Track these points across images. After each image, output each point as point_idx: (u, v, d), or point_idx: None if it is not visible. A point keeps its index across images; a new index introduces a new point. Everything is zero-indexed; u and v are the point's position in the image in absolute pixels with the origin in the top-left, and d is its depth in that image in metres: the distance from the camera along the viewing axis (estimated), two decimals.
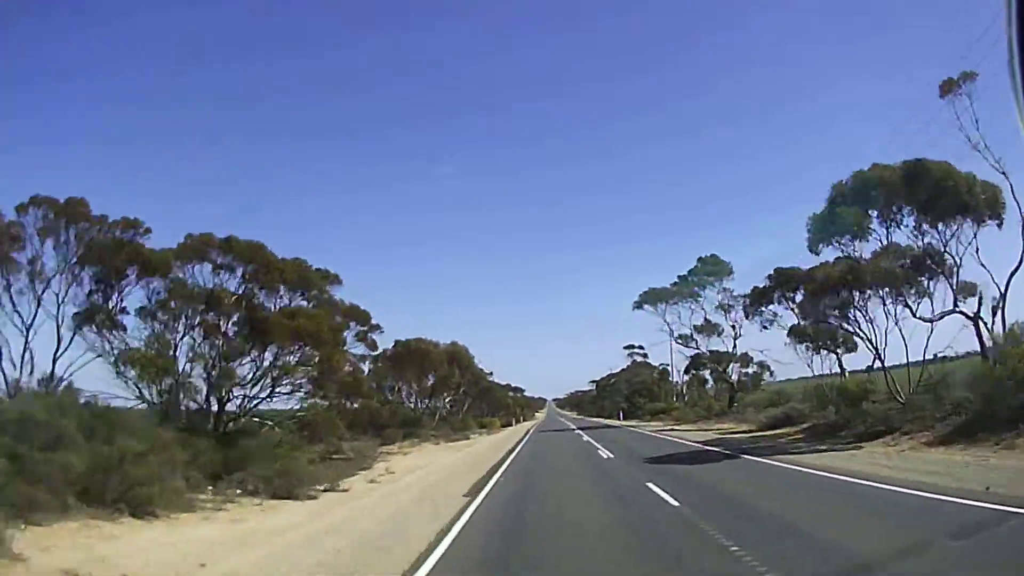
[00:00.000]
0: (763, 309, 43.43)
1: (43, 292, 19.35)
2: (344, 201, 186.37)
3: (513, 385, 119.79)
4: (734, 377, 56.05)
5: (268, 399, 22.19)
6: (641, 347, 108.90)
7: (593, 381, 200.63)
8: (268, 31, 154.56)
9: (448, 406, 73.90)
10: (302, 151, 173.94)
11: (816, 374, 41.78)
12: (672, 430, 47.00)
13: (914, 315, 26.40)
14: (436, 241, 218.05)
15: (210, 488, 15.22)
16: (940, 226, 25.10)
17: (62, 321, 19.57)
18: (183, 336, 20.93)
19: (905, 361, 27.80)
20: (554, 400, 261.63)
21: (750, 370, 54.70)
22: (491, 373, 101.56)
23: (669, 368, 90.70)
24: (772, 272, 37.28)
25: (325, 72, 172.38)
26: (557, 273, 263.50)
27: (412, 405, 56.50)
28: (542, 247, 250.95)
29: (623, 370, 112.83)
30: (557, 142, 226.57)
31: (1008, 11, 2.18)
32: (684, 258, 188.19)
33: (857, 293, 28.27)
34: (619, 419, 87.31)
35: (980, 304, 24.75)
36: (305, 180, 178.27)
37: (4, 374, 18.36)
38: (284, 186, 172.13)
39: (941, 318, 25.87)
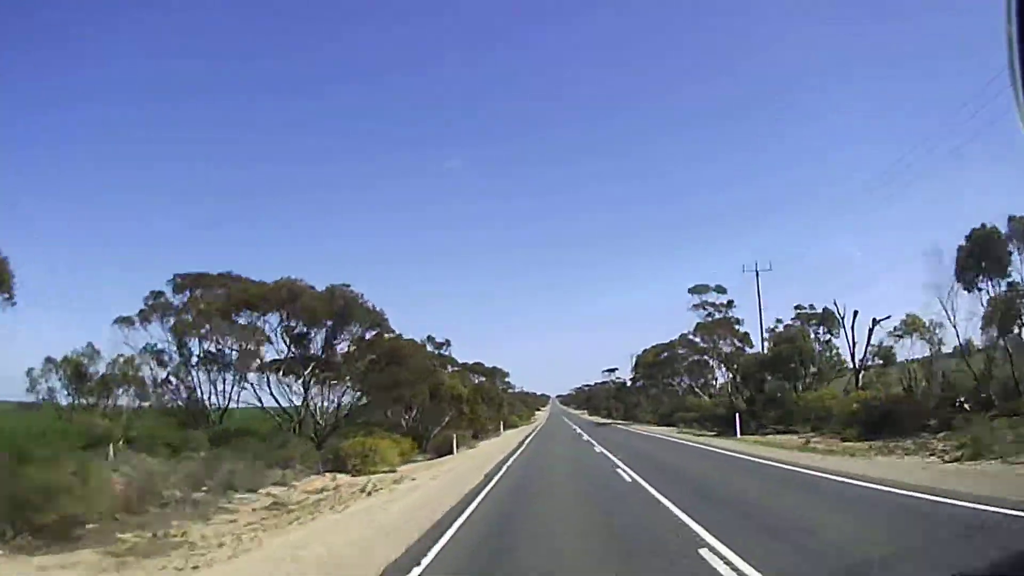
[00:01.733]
0: None
1: None
2: (347, 195, 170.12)
3: (488, 365, 69.19)
4: None
5: None
6: (722, 289, 58.41)
7: (609, 370, 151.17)
8: (270, 24, 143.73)
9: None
10: (303, 144, 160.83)
11: None
12: None
13: None
14: (441, 234, 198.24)
15: None
16: None
17: None
18: None
19: None
20: (558, 397, 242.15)
21: None
22: (446, 343, 52.98)
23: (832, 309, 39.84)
24: None
25: (329, 65, 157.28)
26: (558, 266, 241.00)
27: None
28: (546, 240, 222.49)
29: (684, 337, 62.36)
30: (567, 134, 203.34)
31: (1008, 9, 1.99)
32: (698, 252, 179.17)
33: None
34: (734, 434, 35.69)
35: None
36: (310, 173, 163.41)
37: None
38: (287, 181, 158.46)
39: None
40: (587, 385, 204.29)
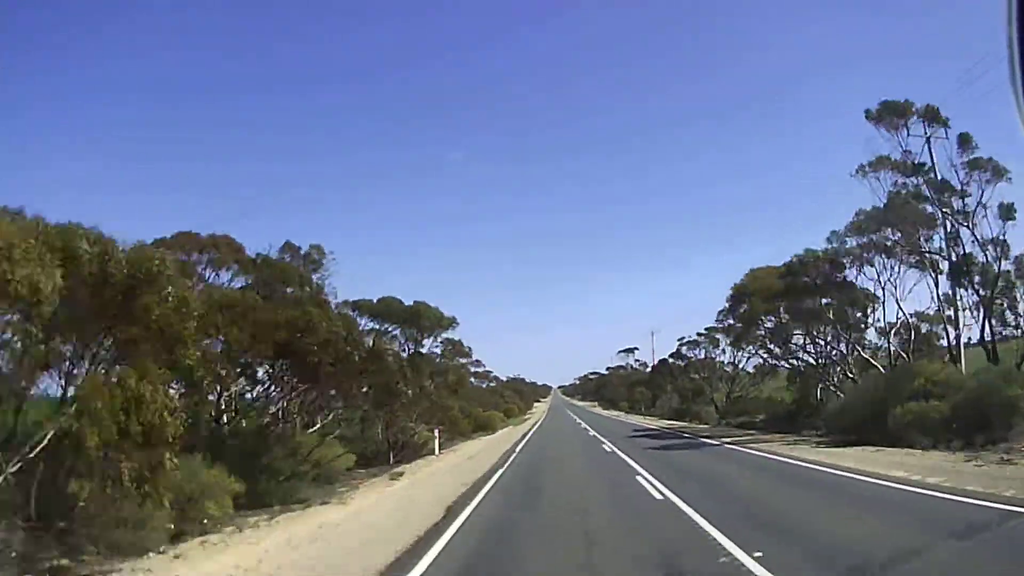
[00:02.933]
0: None
1: None
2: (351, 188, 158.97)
3: (407, 303, 33.96)
4: None
5: None
6: (938, 116, 24.40)
7: (626, 350, 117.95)
8: (277, 23, 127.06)
9: None
10: (307, 142, 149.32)
11: None
12: None
13: None
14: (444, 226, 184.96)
15: None
16: None
17: None
18: None
19: None
20: (560, 388, 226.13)
21: None
22: (316, 256, 20.57)
23: None
24: None
25: (334, 62, 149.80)
26: (554, 261, 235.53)
27: None
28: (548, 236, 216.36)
29: (836, 244, 28.81)
30: (573, 129, 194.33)
31: (1008, 10, 2.00)
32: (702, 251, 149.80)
33: None
34: None
35: None
36: (313, 170, 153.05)
37: None
38: (291, 177, 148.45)
39: None
40: (594, 373, 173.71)
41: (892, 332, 28.10)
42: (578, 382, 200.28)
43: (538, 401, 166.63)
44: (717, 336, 57.22)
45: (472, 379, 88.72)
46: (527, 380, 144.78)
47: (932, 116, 25.78)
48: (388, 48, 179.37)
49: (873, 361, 27.77)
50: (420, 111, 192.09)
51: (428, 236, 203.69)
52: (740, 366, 56.73)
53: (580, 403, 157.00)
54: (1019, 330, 26.14)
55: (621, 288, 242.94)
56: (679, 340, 60.11)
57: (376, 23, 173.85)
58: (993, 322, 25.35)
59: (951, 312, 25.81)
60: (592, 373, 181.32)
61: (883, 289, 27.76)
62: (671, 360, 62.52)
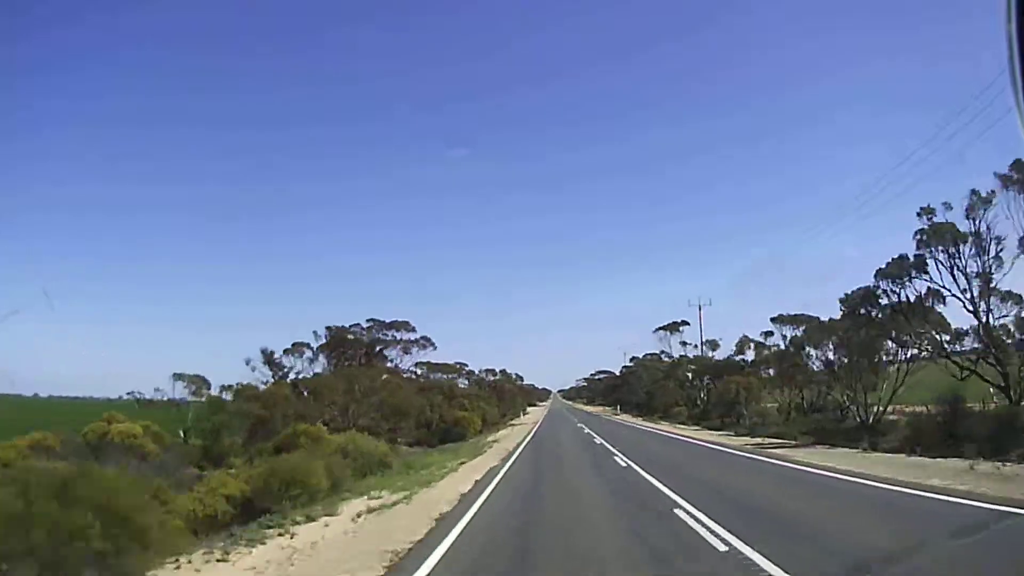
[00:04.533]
0: None
1: None
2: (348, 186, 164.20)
3: None
4: None
5: None
6: None
7: (667, 326, 76.60)
8: (279, 20, 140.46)
9: None
10: (312, 139, 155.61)
11: None
12: None
13: None
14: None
15: None
16: None
17: None
18: None
19: None
20: (560, 392, 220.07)
21: None
22: None
23: None
24: None
25: (335, 59, 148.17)
26: (559, 265, 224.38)
27: None
28: (551, 234, 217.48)
29: None
30: (573, 128, 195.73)
31: (1008, 8, 1.97)
32: (698, 250, 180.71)
33: None
34: None
35: None
36: (314, 167, 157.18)
37: None
38: (293, 175, 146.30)
39: None
40: (602, 373, 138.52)
41: None
42: (584, 383, 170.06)
43: (533, 405, 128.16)
44: None
45: (416, 369, 49.28)
46: (513, 375, 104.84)
47: None
48: (387, 48, 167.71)
49: None
50: (419, 111, 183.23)
51: (429, 235, 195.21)
52: None
53: (589, 408, 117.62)
54: None
55: (622, 288, 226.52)
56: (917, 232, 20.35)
57: (374, 23, 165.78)
58: None
59: None
60: (600, 372, 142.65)
61: None
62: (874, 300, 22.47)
